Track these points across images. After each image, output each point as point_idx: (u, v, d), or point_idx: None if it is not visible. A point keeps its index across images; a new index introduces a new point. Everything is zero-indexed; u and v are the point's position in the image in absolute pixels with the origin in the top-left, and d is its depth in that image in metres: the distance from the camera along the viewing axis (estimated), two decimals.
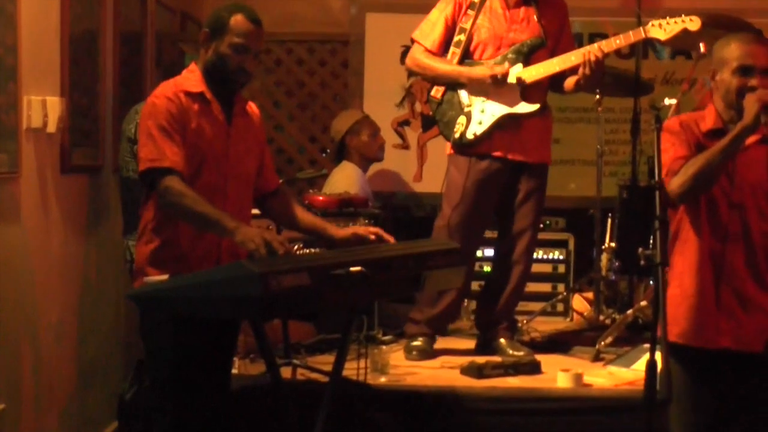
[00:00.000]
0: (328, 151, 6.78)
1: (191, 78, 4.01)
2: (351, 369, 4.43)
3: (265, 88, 7.66)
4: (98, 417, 5.58)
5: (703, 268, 3.78)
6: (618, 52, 7.54)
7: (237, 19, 3.95)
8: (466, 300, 5.87)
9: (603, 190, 6.22)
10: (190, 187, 3.82)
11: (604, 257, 6.07)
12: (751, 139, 3.74)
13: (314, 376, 4.60)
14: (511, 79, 5.00)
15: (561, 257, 6.45)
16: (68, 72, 5.03)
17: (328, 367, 4.04)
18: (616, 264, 6.05)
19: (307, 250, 4.94)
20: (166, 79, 4.13)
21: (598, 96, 5.97)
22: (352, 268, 3.51)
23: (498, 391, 4.69)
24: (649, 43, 7.28)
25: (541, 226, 6.31)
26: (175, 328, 3.87)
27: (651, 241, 5.55)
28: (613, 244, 6.08)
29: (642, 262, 5.69)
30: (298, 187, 6.28)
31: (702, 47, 5.74)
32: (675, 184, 3.71)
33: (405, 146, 7.06)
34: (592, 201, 6.35)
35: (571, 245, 6.46)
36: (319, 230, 4.22)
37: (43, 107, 4.68)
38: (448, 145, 5.23)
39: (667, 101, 5.68)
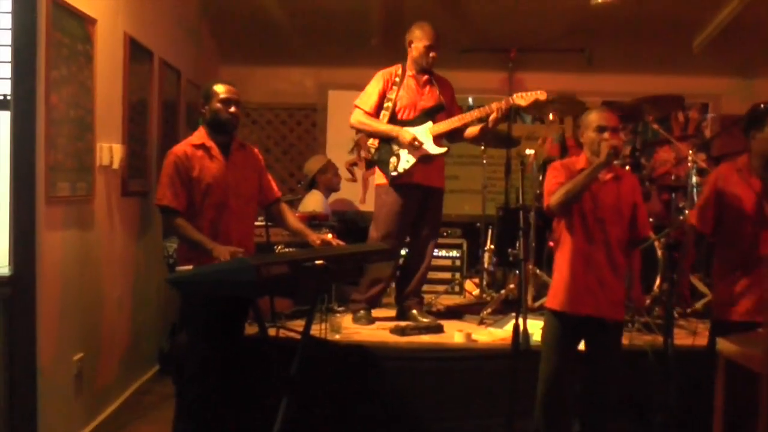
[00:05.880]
0: (302, 182, 6.80)
1: (198, 135, 4.10)
2: (316, 330, 4.42)
3: (259, 140, 7.68)
4: (145, 363, 5.57)
5: (575, 261, 3.81)
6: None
7: (217, 85, 4.08)
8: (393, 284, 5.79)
9: (486, 210, 6.22)
10: (187, 218, 3.93)
11: (486, 255, 6.10)
12: (608, 176, 3.83)
13: (291, 334, 4.50)
14: (426, 131, 4.97)
15: (457, 255, 6.39)
16: (127, 127, 5.03)
17: (300, 328, 4.02)
18: (494, 260, 6.11)
19: (287, 250, 4.95)
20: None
21: (483, 148, 6.04)
22: (317, 262, 3.57)
23: (415, 344, 4.69)
24: (516, 112, 7.37)
25: (444, 234, 6.35)
26: (203, 301, 3.90)
27: (517, 244, 5.68)
28: (492, 246, 6.12)
29: (511, 258, 5.82)
30: None
31: (551, 116, 5.82)
32: (553, 199, 3.77)
33: (354, 180, 7.05)
34: (478, 218, 6.37)
35: (465, 247, 6.42)
36: (301, 233, 4.26)
37: (110, 151, 4.69)
38: (376, 178, 5.19)
39: (528, 151, 5.68)
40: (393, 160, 5.03)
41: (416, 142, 4.95)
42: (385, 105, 5.08)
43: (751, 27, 6.75)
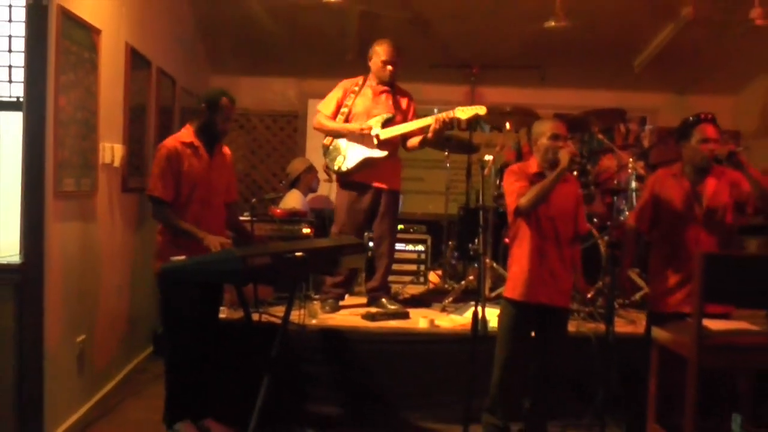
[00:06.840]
0: (283, 182, 6.78)
1: (186, 133, 4.08)
2: (295, 315, 4.37)
3: (247, 143, 7.68)
4: (141, 344, 5.56)
5: (532, 255, 3.83)
6: (459, 126, 7.67)
7: (224, 100, 4.04)
8: (363, 274, 5.71)
9: (449, 209, 6.22)
10: (174, 209, 3.93)
11: (449, 249, 6.11)
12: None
13: (273, 319, 4.50)
14: (374, 133, 4.92)
15: (423, 249, 6.31)
16: (128, 129, 5.00)
17: (281, 314, 4.01)
18: (456, 254, 6.14)
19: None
20: None
21: (447, 153, 6.06)
22: (297, 253, 3.55)
23: (384, 329, 4.69)
24: (477, 121, 7.37)
25: (411, 230, 6.33)
26: (186, 289, 3.88)
27: (476, 240, 5.72)
28: (454, 242, 6.14)
29: (471, 253, 5.86)
30: (265, 204, 6.27)
31: (508, 125, 5.84)
32: (523, 201, 3.79)
33: (330, 181, 7.02)
34: (442, 216, 6.39)
35: (429, 242, 6.35)
36: (238, 232, 4.37)
37: (111, 150, 4.66)
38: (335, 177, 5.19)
39: (487, 157, 5.65)
40: (339, 159, 5.03)
41: (365, 130, 4.93)
42: (342, 111, 5.08)
43: (684, 50, 6.88)
